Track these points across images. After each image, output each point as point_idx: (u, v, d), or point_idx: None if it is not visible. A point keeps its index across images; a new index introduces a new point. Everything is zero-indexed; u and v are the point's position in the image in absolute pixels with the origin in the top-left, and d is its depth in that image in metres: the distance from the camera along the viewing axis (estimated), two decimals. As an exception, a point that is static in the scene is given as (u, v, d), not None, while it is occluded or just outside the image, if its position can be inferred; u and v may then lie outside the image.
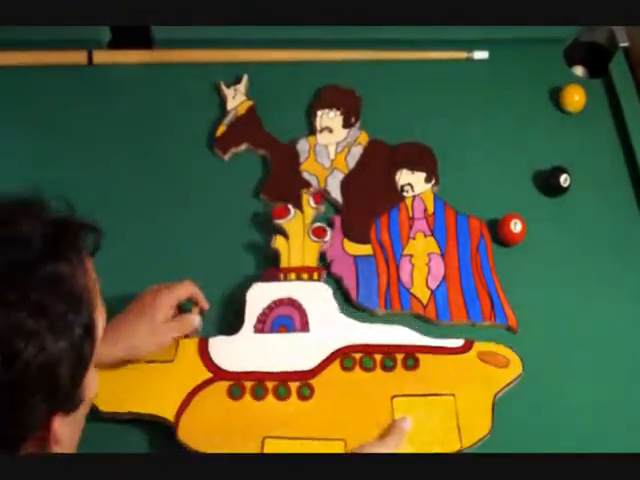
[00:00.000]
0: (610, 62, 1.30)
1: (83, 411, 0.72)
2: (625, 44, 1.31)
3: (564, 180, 1.14)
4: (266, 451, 0.91)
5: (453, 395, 0.95)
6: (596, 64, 1.32)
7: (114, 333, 0.92)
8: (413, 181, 1.15)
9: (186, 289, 0.99)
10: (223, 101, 1.23)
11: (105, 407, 0.94)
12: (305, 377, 0.97)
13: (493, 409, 0.95)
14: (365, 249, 1.09)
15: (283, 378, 0.96)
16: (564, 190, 1.15)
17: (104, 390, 0.92)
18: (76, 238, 0.67)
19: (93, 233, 0.69)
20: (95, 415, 0.92)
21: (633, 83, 1.27)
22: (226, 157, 1.18)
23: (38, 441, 0.66)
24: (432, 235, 1.10)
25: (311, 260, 1.06)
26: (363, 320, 1.02)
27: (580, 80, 1.29)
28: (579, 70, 1.32)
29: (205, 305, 1.01)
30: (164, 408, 0.94)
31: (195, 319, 0.99)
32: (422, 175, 1.15)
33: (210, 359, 0.98)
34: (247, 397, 0.95)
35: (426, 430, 0.93)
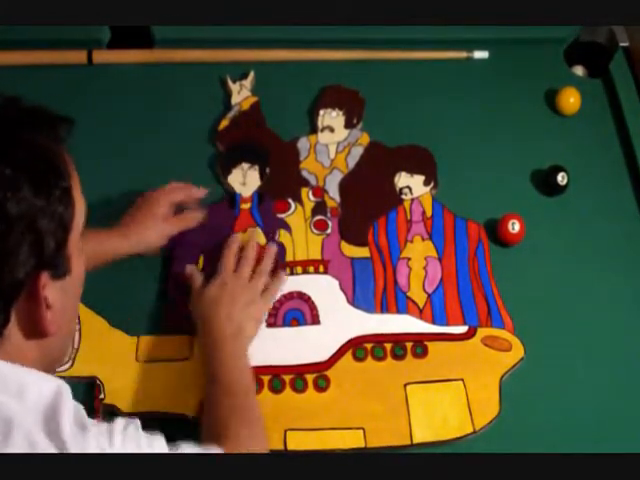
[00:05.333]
0: (610, 62, 1.29)
1: (74, 288, 0.73)
2: (625, 44, 1.30)
3: (561, 178, 1.14)
4: (289, 443, 0.93)
5: (462, 380, 0.98)
6: (596, 64, 1.31)
7: (125, 228, 1.03)
8: (412, 184, 1.15)
9: (179, 191, 1.07)
10: (228, 96, 1.23)
11: (126, 407, 0.95)
12: (320, 369, 0.99)
13: (500, 391, 0.98)
14: (362, 251, 1.09)
15: (299, 371, 0.98)
16: (562, 189, 1.15)
17: (124, 391, 0.96)
18: (52, 122, 0.70)
19: (66, 124, 0.72)
20: (117, 415, 0.93)
21: (633, 83, 1.27)
22: None
23: (29, 302, 0.66)
24: (430, 239, 1.10)
25: (315, 253, 1.07)
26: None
27: (580, 80, 1.29)
28: (579, 70, 1.32)
29: (199, 194, 1.08)
30: (185, 405, 0.95)
31: (197, 215, 1.07)
32: (421, 178, 1.15)
33: None
34: (266, 391, 0.97)
35: (440, 415, 0.96)
